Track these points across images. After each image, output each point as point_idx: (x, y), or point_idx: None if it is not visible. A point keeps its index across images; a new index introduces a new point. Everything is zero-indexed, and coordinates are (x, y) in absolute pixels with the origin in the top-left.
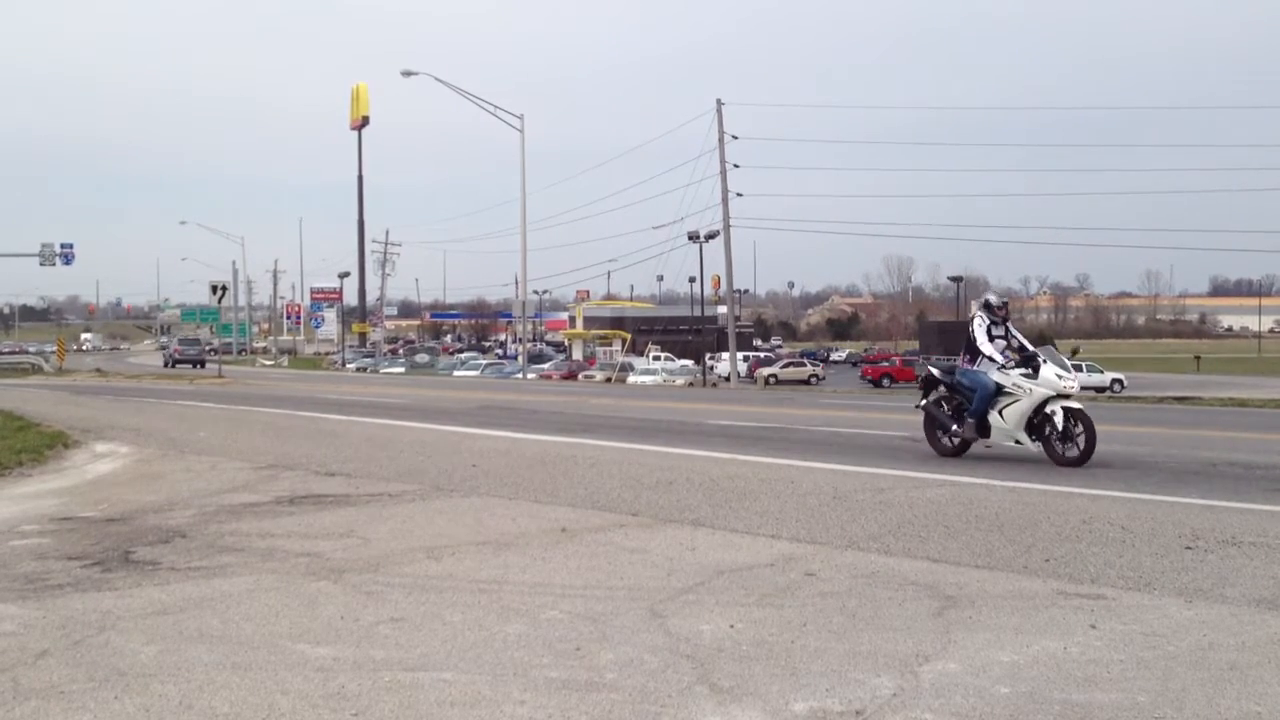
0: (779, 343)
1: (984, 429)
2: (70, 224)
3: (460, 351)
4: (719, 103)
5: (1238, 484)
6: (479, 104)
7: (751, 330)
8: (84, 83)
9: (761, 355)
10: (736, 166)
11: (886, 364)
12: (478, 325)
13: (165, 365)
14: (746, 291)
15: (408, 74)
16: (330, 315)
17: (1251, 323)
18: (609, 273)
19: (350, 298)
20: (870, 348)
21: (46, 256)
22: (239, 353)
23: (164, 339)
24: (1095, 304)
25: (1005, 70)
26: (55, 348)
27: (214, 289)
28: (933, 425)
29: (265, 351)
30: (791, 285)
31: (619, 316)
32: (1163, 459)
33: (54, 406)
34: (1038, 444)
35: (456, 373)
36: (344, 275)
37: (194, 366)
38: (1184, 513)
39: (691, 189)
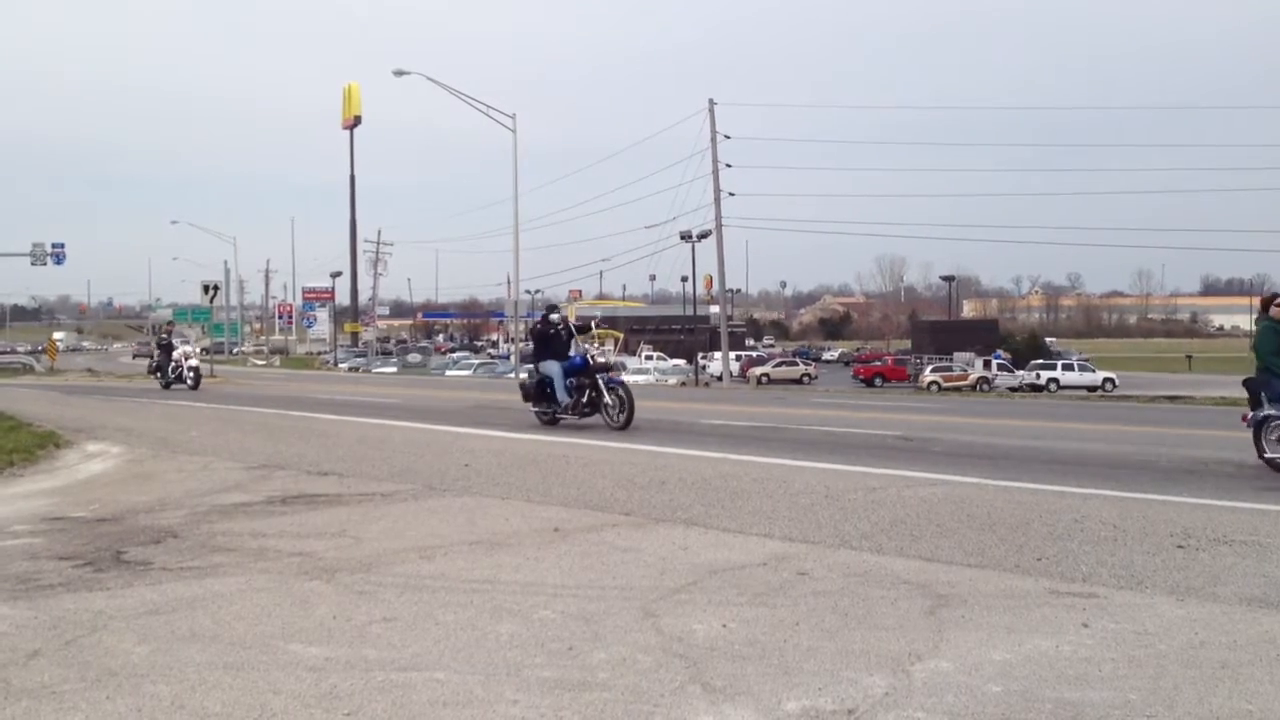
0: (771, 342)
1: None
2: (62, 223)
3: (453, 351)
4: (711, 102)
5: (1229, 482)
6: (471, 103)
7: (744, 330)
8: (76, 82)
9: (754, 354)
10: (729, 166)
11: (879, 363)
12: (470, 325)
13: (134, 358)
14: (739, 291)
15: (400, 73)
16: (322, 315)
17: (1243, 322)
18: (601, 272)
19: (343, 297)
20: (862, 347)
21: (38, 256)
22: (232, 352)
23: (142, 339)
24: (1087, 303)
25: (997, 70)
26: (47, 347)
27: (206, 289)
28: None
29: (258, 352)
30: (784, 285)
31: (611, 316)
32: (1154, 458)
33: (45, 406)
34: None
35: (449, 372)
36: (336, 275)
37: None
38: (1175, 511)
39: (684, 188)
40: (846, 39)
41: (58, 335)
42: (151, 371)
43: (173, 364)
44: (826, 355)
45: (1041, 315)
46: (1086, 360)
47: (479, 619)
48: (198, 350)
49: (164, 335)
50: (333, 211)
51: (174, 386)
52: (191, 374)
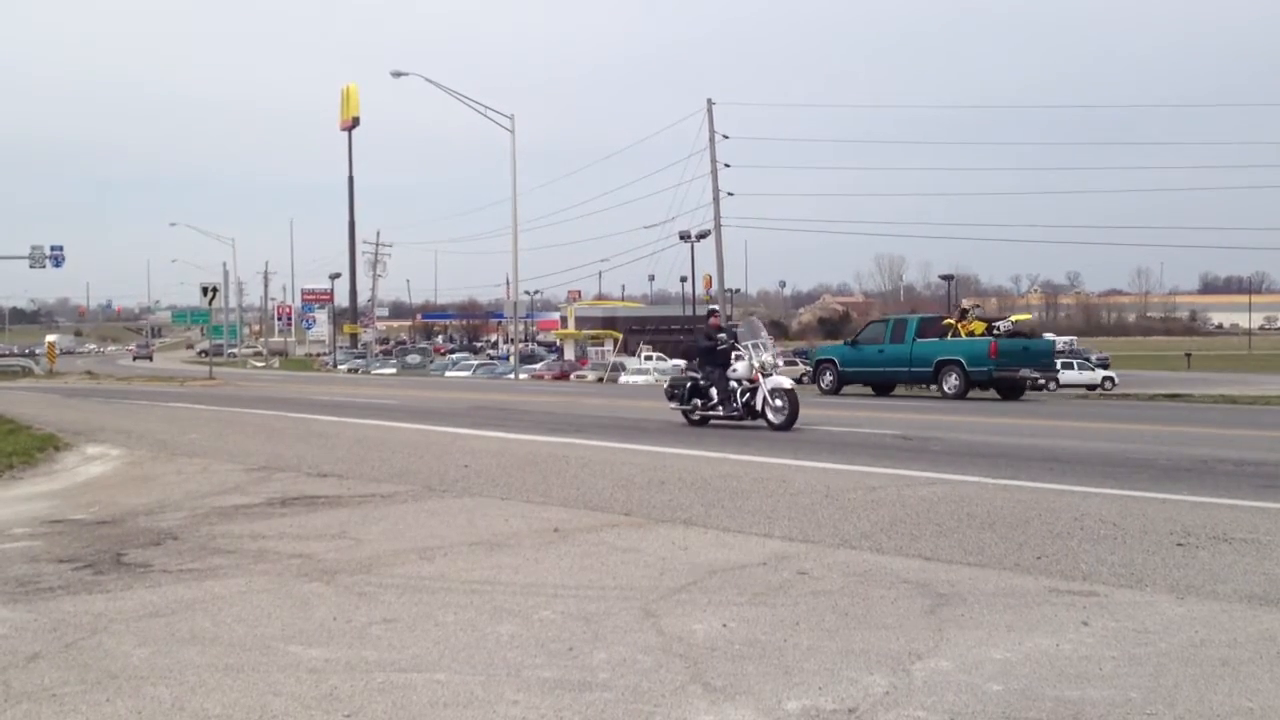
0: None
1: None
2: (61, 225)
3: (452, 352)
4: (709, 102)
5: (1229, 480)
6: (469, 104)
7: None
8: (74, 84)
9: None
10: (727, 166)
11: None
12: (469, 326)
13: (134, 360)
14: (738, 291)
15: (398, 75)
16: (321, 316)
17: (1242, 320)
18: (600, 273)
19: (341, 299)
20: None
21: (36, 259)
22: (229, 354)
23: (141, 341)
24: (1086, 302)
25: (996, 69)
26: (46, 350)
27: (204, 291)
28: None
29: (257, 354)
30: (783, 284)
31: (611, 316)
32: (1154, 456)
33: (45, 409)
34: None
35: (448, 373)
36: (335, 276)
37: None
38: (1175, 509)
39: (682, 188)
40: (847, 38)
41: (51, 337)
42: (683, 398)
43: (736, 385)
44: None
45: (1041, 314)
46: (1106, 358)
47: (479, 620)
48: (777, 360)
49: (718, 336)
50: (331, 213)
51: (724, 421)
52: (781, 402)
